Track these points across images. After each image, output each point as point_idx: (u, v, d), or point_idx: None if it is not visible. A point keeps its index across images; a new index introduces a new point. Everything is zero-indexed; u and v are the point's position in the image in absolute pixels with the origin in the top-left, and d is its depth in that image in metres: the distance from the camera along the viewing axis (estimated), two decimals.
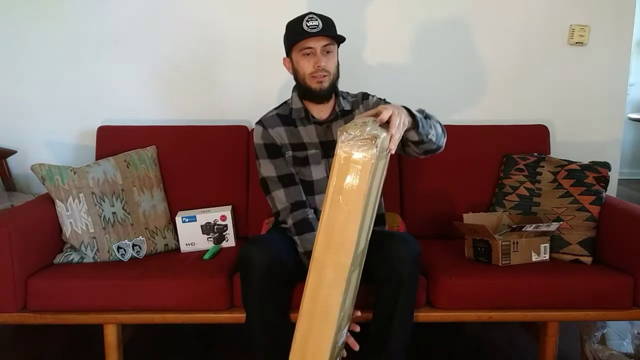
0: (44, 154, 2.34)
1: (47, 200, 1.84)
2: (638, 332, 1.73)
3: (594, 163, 1.91)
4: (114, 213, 1.89)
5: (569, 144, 2.37)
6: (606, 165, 1.90)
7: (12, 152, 2.32)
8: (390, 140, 1.29)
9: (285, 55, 1.70)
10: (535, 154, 2.09)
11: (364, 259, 1.45)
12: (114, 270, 1.73)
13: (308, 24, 1.57)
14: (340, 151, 1.22)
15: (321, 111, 1.70)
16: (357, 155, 1.20)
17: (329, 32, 1.58)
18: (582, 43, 2.31)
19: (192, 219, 1.95)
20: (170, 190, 2.10)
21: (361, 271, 1.43)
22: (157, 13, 2.27)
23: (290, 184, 1.66)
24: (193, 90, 2.32)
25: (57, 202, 1.81)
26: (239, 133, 2.18)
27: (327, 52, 1.61)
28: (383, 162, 1.33)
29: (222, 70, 2.31)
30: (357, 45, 2.30)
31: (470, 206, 2.04)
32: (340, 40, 1.64)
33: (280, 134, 1.69)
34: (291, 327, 1.53)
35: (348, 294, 1.33)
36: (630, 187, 4.69)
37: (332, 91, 1.67)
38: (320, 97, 1.66)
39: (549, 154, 2.17)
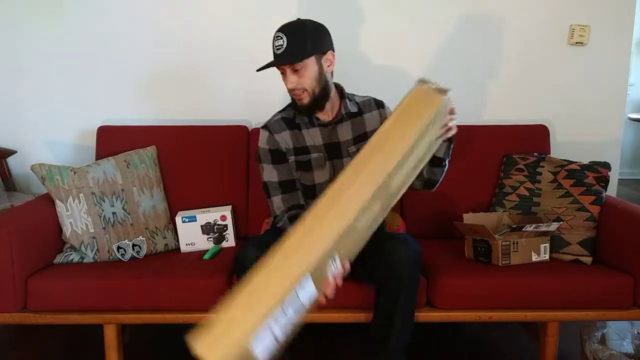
0: (44, 154, 2.34)
1: (47, 200, 1.84)
2: (638, 332, 1.73)
3: (594, 163, 1.91)
4: (114, 213, 1.89)
5: (569, 144, 2.37)
6: (606, 165, 1.90)
7: (12, 152, 2.32)
8: (448, 126, 1.42)
9: None
10: (535, 154, 2.09)
11: (369, 252, 1.40)
12: (114, 270, 1.73)
13: (275, 44, 1.56)
14: (415, 87, 1.35)
15: (325, 114, 1.69)
16: (430, 90, 1.34)
17: (288, 58, 1.54)
18: (582, 43, 2.31)
19: (192, 219, 1.95)
20: (170, 190, 2.10)
21: (379, 221, 1.33)
22: (158, 13, 2.27)
23: (290, 190, 1.66)
24: (193, 90, 2.32)
25: (57, 202, 1.81)
26: (239, 133, 2.18)
27: (296, 70, 1.56)
28: (436, 128, 1.39)
29: (223, 71, 2.31)
30: (357, 46, 2.30)
31: (470, 206, 2.05)
32: (305, 57, 1.55)
33: (285, 139, 1.68)
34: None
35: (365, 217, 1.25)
36: (630, 187, 4.70)
37: (316, 104, 1.63)
38: (305, 111, 1.65)
39: (549, 154, 2.17)
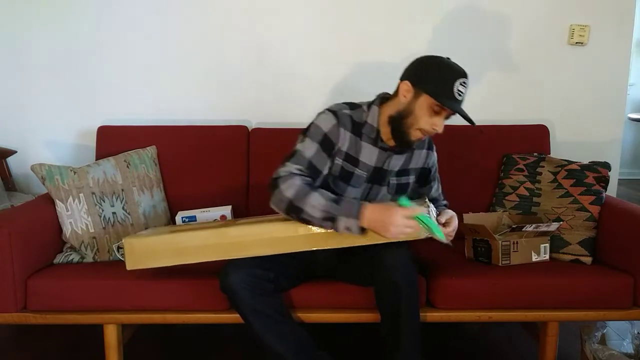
0: (44, 154, 2.34)
1: (47, 200, 1.84)
2: (638, 332, 1.73)
3: (594, 163, 1.91)
4: (114, 213, 1.89)
5: (569, 144, 2.37)
6: (606, 165, 1.90)
7: (12, 152, 2.32)
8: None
9: (407, 79, 1.52)
10: (535, 154, 2.09)
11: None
12: (114, 270, 1.73)
13: (459, 89, 1.47)
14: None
15: (390, 139, 1.60)
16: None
17: (463, 109, 1.49)
18: (582, 43, 2.31)
19: (192, 219, 1.95)
20: (170, 190, 2.11)
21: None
22: (157, 13, 2.27)
23: (311, 175, 1.54)
24: (193, 89, 2.32)
25: (57, 202, 1.81)
26: (239, 133, 2.18)
27: (446, 118, 1.53)
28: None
29: (222, 70, 2.31)
30: (356, 47, 2.30)
31: (470, 206, 2.04)
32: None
33: (344, 139, 1.57)
34: (296, 323, 1.55)
35: None
36: (630, 187, 4.70)
37: None
38: (405, 146, 1.58)
39: (549, 154, 2.17)
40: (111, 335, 1.71)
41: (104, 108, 2.32)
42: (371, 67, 2.32)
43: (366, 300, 1.59)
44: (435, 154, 1.75)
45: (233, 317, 1.64)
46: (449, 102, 1.47)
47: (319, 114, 1.60)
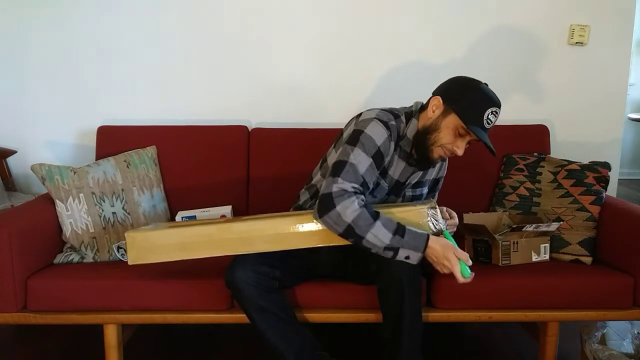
0: (44, 154, 2.34)
1: (47, 200, 1.84)
2: (638, 332, 1.73)
3: (594, 163, 1.91)
4: (114, 213, 1.89)
5: (569, 144, 2.37)
6: (606, 165, 1.90)
7: (12, 152, 2.32)
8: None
9: (440, 95, 1.52)
10: (535, 154, 2.09)
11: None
12: (114, 270, 1.73)
13: (489, 117, 1.47)
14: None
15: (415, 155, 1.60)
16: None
17: (487, 139, 1.49)
18: (582, 43, 2.31)
19: (192, 219, 1.95)
20: (170, 190, 2.11)
21: None
22: (158, 13, 2.27)
23: (364, 192, 1.48)
24: (193, 90, 2.32)
25: (57, 202, 1.81)
26: (239, 133, 2.18)
27: (468, 144, 1.53)
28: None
29: (222, 70, 2.31)
30: (356, 46, 2.30)
31: (470, 206, 2.04)
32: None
33: (390, 152, 1.54)
34: (299, 322, 1.57)
35: None
36: (630, 187, 4.70)
37: None
38: (425, 163, 1.57)
39: (549, 154, 2.17)
40: (111, 335, 1.70)
41: (104, 108, 2.32)
42: (371, 67, 2.32)
43: (367, 300, 1.60)
44: (446, 163, 1.76)
45: (233, 317, 1.65)
46: (475, 129, 1.46)
47: (367, 121, 1.51)
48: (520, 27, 2.31)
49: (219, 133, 2.17)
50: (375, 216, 1.41)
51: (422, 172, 1.66)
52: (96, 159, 2.09)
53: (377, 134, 1.49)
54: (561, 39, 2.32)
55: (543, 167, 2.00)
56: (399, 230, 1.41)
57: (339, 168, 1.45)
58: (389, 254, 1.42)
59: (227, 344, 2.04)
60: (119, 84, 2.31)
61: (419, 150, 1.55)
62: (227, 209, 1.99)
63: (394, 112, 1.57)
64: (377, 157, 1.49)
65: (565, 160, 1.98)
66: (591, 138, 2.38)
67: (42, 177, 1.81)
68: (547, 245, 1.80)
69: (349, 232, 1.40)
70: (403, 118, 1.58)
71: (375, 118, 1.51)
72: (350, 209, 1.39)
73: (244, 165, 2.14)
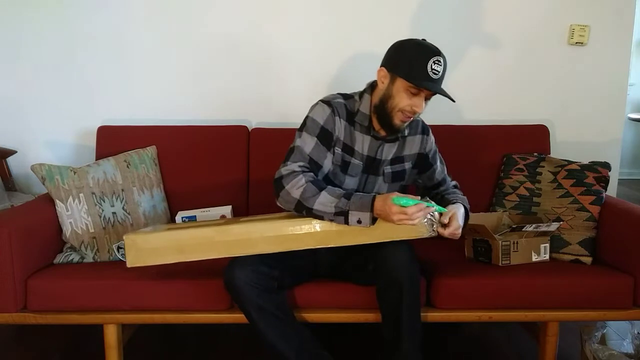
0: (44, 154, 2.34)
1: (47, 200, 1.84)
2: (638, 332, 1.73)
3: (594, 163, 1.91)
4: (114, 213, 1.89)
5: (569, 144, 2.37)
6: (606, 165, 1.90)
7: (12, 152, 2.32)
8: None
9: (383, 65, 1.56)
10: (535, 154, 2.09)
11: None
12: (114, 270, 1.73)
13: (433, 67, 1.46)
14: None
15: (381, 128, 1.62)
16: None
17: (440, 85, 1.50)
18: (582, 43, 2.31)
19: (192, 219, 1.95)
20: (170, 190, 2.11)
21: None
22: (157, 13, 2.27)
23: (312, 170, 1.55)
24: (193, 90, 2.32)
25: (57, 202, 1.81)
26: (239, 133, 2.18)
27: (427, 99, 1.53)
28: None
29: (222, 70, 2.31)
30: (356, 45, 2.30)
31: (470, 206, 2.04)
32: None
33: (340, 128, 1.59)
34: (298, 322, 1.56)
35: None
36: (630, 187, 4.70)
37: None
38: (391, 132, 1.59)
39: (549, 154, 2.17)
40: (111, 335, 1.70)
41: (104, 108, 2.32)
42: (372, 66, 2.32)
43: (367, 301, 1.60)
44: (431, 137, 1.74)
45: (233, 317, 1.65)
46: (424, 83, 1.47)
47: (313, 106, 1.61)
48: (520, 27, 2.31)
49: (219, 133, 2.17)
50: (322, 187, 1.49)
51: (396, 147, 1.65)
52: (96, 159, 2.09)
53: (319, 113, 1.58)
54: (561, 39, 2.32)
55: (543, 167, 2.00)
56: (346, 195, 1.48)
57: (288, 153, 1.57)
58: (340, 219, 1.46)
59: (227, 344, 2.04)
60: (119, 84, 2.31)
61: (382, 122, 1.58)
62: (227, 209, 1.99)
63: (345, 94, 1.65)
64: (322, 134, 1.57)
65: (565, 160, 1.98)
66: (591, 138, 2.38)
67: (42, 177, 1.81)
68: (547, 245, 1.80)
69: (298, 206, 1.49)
70: (357, 97, 1.64)
71: (319, 100, 1.61)
72: (296, 186, 1.49)
73: (244, 166, 2.14)
